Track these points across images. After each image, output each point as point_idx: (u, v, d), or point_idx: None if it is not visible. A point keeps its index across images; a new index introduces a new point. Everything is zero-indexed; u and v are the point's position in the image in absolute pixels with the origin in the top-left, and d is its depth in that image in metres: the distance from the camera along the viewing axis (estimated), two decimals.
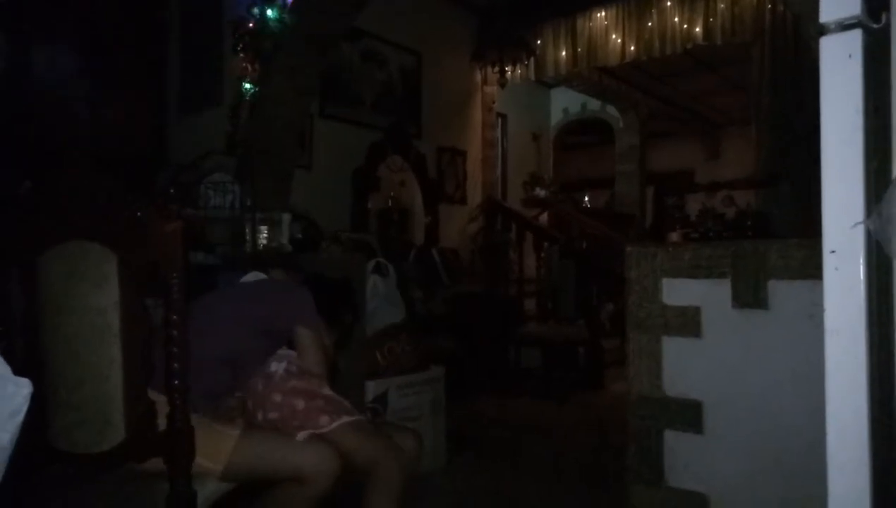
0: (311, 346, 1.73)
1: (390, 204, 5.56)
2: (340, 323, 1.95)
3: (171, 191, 2.99)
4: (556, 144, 7.82)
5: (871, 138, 0.69)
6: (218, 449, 1.42)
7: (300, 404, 1.64)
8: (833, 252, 0.69)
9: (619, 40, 5.73)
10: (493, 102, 6.32)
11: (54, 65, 3.88)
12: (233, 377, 1.69)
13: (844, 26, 0.68)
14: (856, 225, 0.67)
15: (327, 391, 1.71)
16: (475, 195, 6.16)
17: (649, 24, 5.56)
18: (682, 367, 1.55)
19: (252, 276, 1.91)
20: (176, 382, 1.27)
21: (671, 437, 1.56)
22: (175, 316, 1.26)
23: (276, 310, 1.75)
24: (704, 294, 1.52)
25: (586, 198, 8.81)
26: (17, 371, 0.78)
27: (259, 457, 1.48)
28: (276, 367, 1.72)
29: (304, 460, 1.50)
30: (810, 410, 0.81)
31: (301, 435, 1.58)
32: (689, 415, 1.53)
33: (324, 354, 1.76)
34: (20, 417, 0.75)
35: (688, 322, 1.54)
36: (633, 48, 5.67)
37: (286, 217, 3.03)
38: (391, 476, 1.61)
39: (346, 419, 1.64)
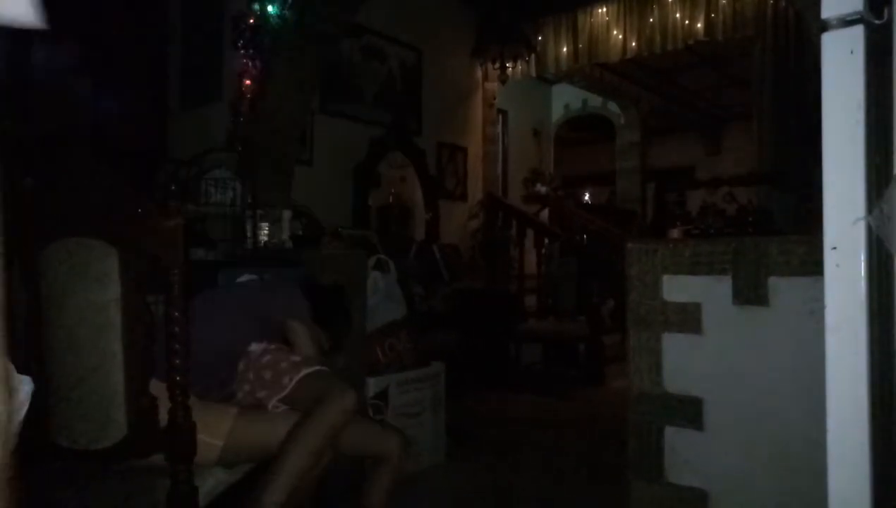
0: (302, 339, 1.77)
1: (391, 200, 5.55)
2: (333, 328, 1.97)
3: (172, 187, 2.99)
4: (556, 141, 7.81)
5: (872, 134, 0.69)
6: (218, 425, 1.45)
7: (268, 374, 1.68)
8: (834, 248, 0.69)
9: (620, 36, 5.71)
10: (494, 98, 6.31)
11: (55, 60, 3.88)
12: (230, 366, 1.72)
13: (846, 22, 0.68)
14: (857, 220, 0.67)
15: (296, 358, 1.72)
16: (476, 191, 6.16)
17: (650, 19, 5.55)
18: (683, 364, 1.55)
19: (246, 278, 1.95)
20: (177, 378, 1.27)
21: (671, 433, 1.56)
22: (176, 313, 1.26)
23: (271, 298, 1.80)
24: (705, 290, 1.52)
25: (587, 195, 8.80)
26: (19, 367, 0.78)
27: (256, 436, 1.51)
28: (256, 347, 1.76)
29: None
30: (811, 406, 0.81)
31: (271, 405, 1.62)
32: (690, 412, 1.53)
33: (318, 347, 1.80)
34: (20, 415, 0.75)
35: (688, 318, 1.54)
36: (634, 44, 5.66)
37: (287, 213, 3.03)
38: (326, 412, 1.55)
39: (304, 371, 1.65)
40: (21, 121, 3.56)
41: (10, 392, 0.74)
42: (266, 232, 2.93)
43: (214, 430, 1.43)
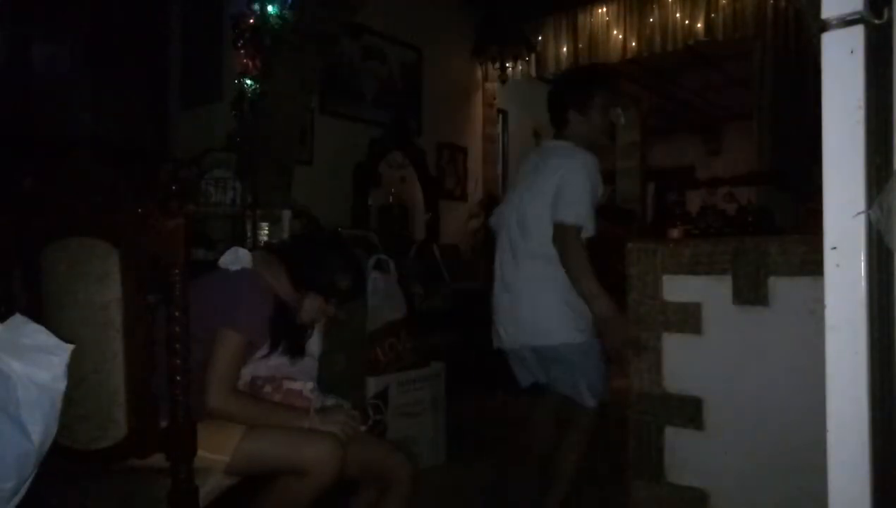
0: (219, 348, 1.50)
1: (391, 200, 5.55)
2: (333, 289, 1.70)
3: (173, 187, 2.99)
4: None
5: (872, 134, 0.68)
6: (224, 442, 1.44)
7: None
8: (834, 248, 0.69)
9: (620, 36, 5.72)
10: (494, 98, 6.31)
11: (55, 59, 3.88)
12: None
13: (846, 22, 0.68)
14: (857, 214, 0.67)
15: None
16: (476, 191, 6.15)
17: (650, 19, 5.55)
18: (683, 364, 1.55)
19: (231, 254, 1.67)
20: (178, 378, 1.27)
21: (671, 434, 1.56)
22: (177, 313, 1.26)
23: (212, 310, 1.51)
24: (705, 290, 1.52)
25: None
26: None
27: (265, 450, 1.49)
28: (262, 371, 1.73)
29: (308, 452, 1.50)
30: (811, 407, 0.81)
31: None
32: (690, 412, 1.53)
33: (229, 364, 1.52)
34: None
35: (688, 318, 1.54)
36: (634, 44, 5.66)
37: (287, 213, 3.04)
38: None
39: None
40: (21, 121, 3.56)
41: None
42: (266, 232, 2.93)
43: (220, 448, 1.43)
